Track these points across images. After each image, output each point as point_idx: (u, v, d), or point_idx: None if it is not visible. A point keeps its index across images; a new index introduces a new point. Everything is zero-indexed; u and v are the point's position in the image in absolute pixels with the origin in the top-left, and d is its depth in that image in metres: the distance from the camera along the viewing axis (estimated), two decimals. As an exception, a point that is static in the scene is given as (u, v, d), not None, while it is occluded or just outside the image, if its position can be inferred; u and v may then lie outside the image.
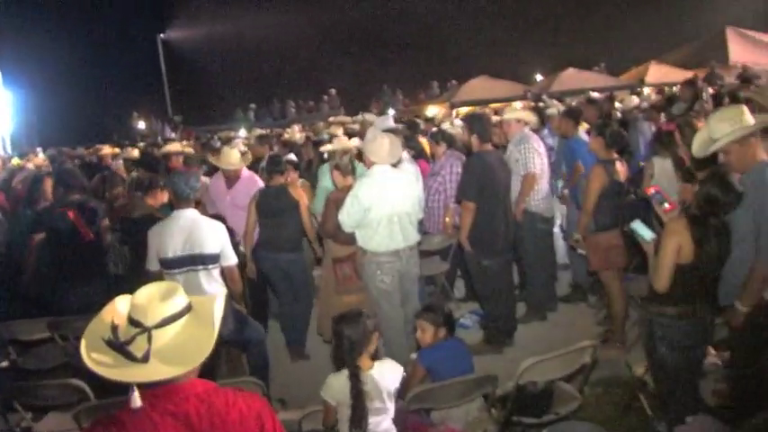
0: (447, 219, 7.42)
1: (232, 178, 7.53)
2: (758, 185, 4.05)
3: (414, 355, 4.88)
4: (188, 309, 2.36)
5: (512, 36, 29.14)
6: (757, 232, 4.01)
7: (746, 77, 14.48)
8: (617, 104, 12.80)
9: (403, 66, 29.32)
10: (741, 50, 22.18)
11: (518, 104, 16.51)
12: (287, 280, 6.91)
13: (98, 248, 6.45)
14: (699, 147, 4.42)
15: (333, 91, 27.42)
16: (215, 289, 5.12)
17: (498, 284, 6.70)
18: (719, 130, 4.19)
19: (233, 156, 7.60)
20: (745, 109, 4.33)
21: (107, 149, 11.67)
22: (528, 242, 7.25)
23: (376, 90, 27.23)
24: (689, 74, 19.60)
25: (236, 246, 5.72)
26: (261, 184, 7.25)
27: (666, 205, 4.08)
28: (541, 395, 4.52)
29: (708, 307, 4.16)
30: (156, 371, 2.22)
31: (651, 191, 4.28)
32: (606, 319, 6.83)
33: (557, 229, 7.83)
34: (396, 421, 3.98)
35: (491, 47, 28.39)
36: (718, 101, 9.74)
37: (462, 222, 6.50)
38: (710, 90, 12.42)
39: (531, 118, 7.71)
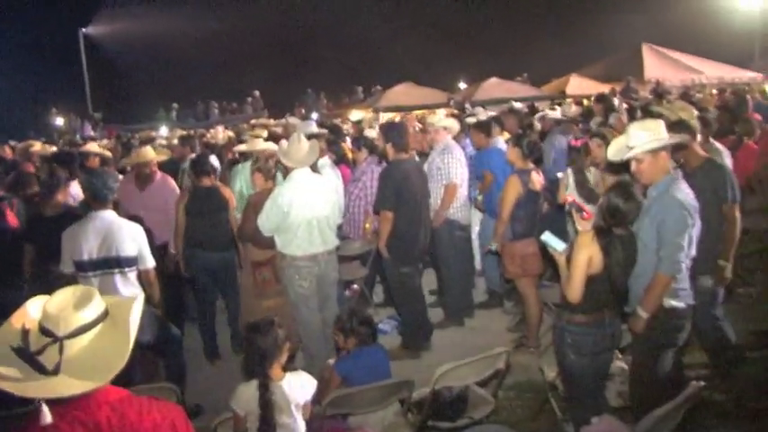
0: (367, 224, 7.46)
1: (145, 180, 7.39)
2: (663, 198, 4.23)
3: (331, 361, 4.89)
4: (104, 316, 2.26)
5: (436, 44, 29.51)
6: (660, 243, 4.18)
7: (660, 93, 15.04)
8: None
9: (328, 69, 29.36)
10: (655, 66, 23.08)
11: (441, 112, 16.78)
12: (216, 280, 6.90)
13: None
14: (615, 152, 4.61)
15: (257, 93, 27.12)
16: (131, 292, 5.03)
17: (414, 290, 6.80)
18: (637, 138, 4.36)
19: (149, 152, 7.54)
20: (663, 123, 4.53)
21: (38, 146, 11.27)
22: (446, 249, 7.37)
23: (300, 93, 27.09)
24: (607, 87, 20.29)
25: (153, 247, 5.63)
26: (175, 186, 7.19)
27: (584, 214, 4.19)
28: (456, 400, 4.60)
29: (616, 314, 4.32)
30: (66, 386, 2.12)
31: (568, 200, 4.38)
32: (521, 324, 6.99)
33: (474, 236, 7.96)
34: (312, 427, 3.98)
35: (416, 54, 28.69)
36: (631, 115, 10.05)
37: (381, 231, 6.56)
38: (624, 104, 12.83)
39: (456, 126, 7.85)
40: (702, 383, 3.84)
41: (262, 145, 8.21)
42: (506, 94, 20.80)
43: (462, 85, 26.46)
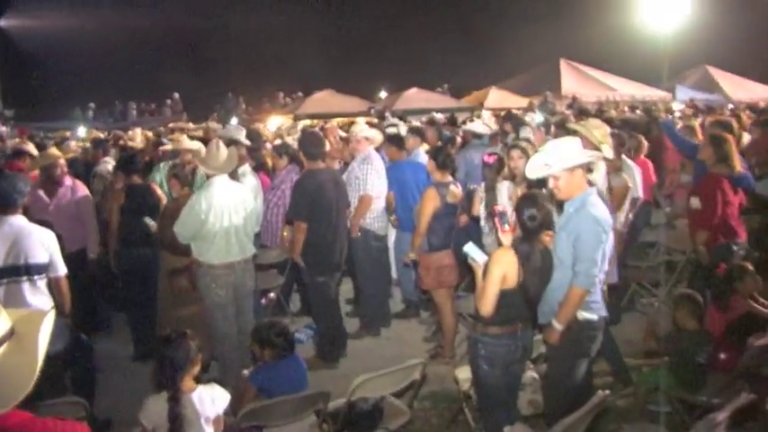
0: (285, 233, 7.43)
1: (54, 184, 7.03)
2: (579, 214, 4.35)
3: (246, 372, 4.84)
4: (9, 335, 2.06)
5: (359, 52, 29.58)
6: (575, 258, 4.30)
7: (582, 110, 15.42)
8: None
9: (249, 73, 29.06)
10: (572, 82, 23.79)
11: (362, 120, 16.80)
12: (146, 279, 6.78)
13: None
14: (532, 169, 4.67)
15: (176, 95, 26.48)
16: (40, 302, 4.84)
17: (330, 300, 6.81)
18: (554, 156, 4.46)
19: (55, 152, 7.40)
20: (579, 141, 4.66)
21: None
22: (362, 259, 7.40)
23: (220, 96, 26.66)
24: (525, 100, 20.76)
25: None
26: (86, 190, 7.07)
27: (507, 227, 4.26)
28: (372, 411, 4.62)
29: (529, 326, 4.43)
30: None
31: (498, 208, 4.40)
32: (437, 334, 7.06)
33: (390, 245, 7.99)
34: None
35: (338, 61, 28.70)
36: (547, 130, 10.29)
37: (295, 240, 6.53)
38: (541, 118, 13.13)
39: (378, 137, 7.87)
40: (608, 392, 4.00)
41: (188, 144, 8.06)
42: (427, 104, 21.07)
43: (383, 94, 26.63)
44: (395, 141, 7.86)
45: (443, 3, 32.18)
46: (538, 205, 4.22)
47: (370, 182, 7.23)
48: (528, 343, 4.43)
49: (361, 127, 8.15)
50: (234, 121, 19.44)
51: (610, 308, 6.57)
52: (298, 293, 8.20)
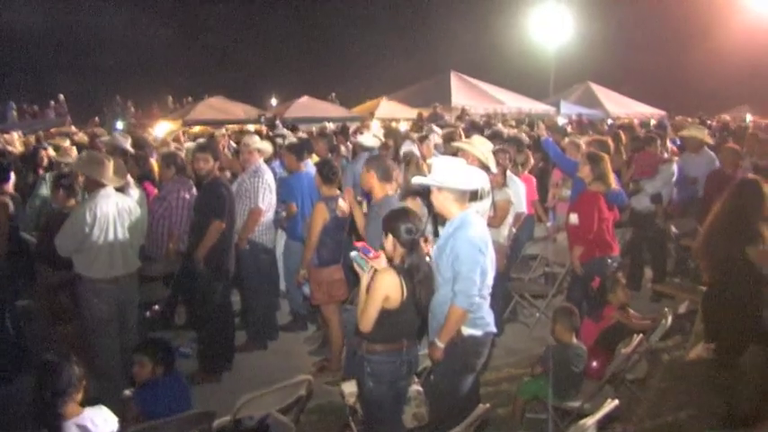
0: (171, 245, 7.30)
1: None
2: (456, 235, 4.47)
3: (127, 392, 4.73)
4: None
5: (250, 58, 29.32)
6: (454, 278, 4.43)
7: (473, 124, 15.71)
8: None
9: (139, 77, 28.29)
10: (462, 94, 24.29)
11: (252, 128, 16.65)
12: None
13: None
14: (419, 180, 4.84)
15: (61, 97, 25.21)
16: None
17: (224, 307, 6.77)
18: (435, 172, 4.61)
19: None
20: (462, 163, 4.80)
21: None
22: (250, 271, 7.35)
23: (108, 99, 25.67)
24: (415, 111, 21.04)
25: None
26: None
27: (371, 254, 4.32)
28: (257, 428, 4.60)
29: (414, 343, 4.52)
30: None
31: (358, 245, 4.44)
32: (324, 348, 7.09)
33: (279, 255, 7.96)
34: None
35: (229, 67, 28.36)
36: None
37: (206, 240, 6.39)
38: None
39: (269, 149, 7.84)
40: (488, 405, 4.14)
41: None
42: (318, 113, 21.06)
43: (274, 101, 26.50)
44: (295, 151, 7.83)
45: (336, 12, 32.32)
46: (411, 217, 4.33)
47: (261, 195, 7.19)
48: (413, 359, 4.51)
49: (254, 139, 8.06)
50: (119, 125, 18.92)
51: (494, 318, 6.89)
52: (183, 305, 8.02)
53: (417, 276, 4.26)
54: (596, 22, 30.64)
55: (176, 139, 12.59)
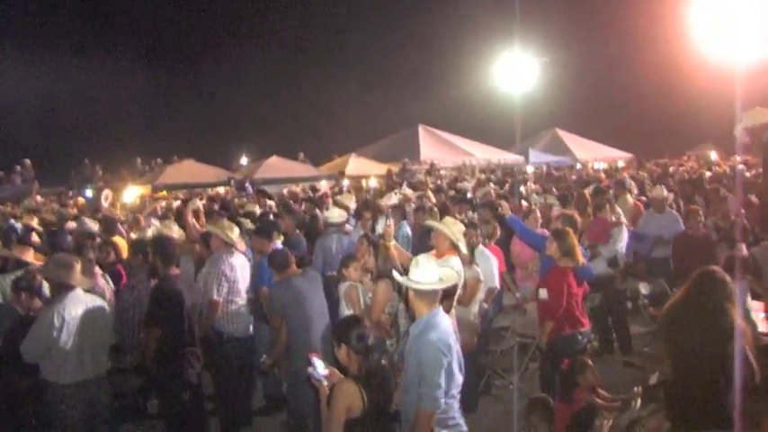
0: (142, 334, 7.21)
1: None
2: (420, 338, 4.53)
3: None
4: None
5: (219, 119, 29.43)
6: (419, 381, 4.45)
7: (438, 188, 15.89)
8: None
9: (107, 139, 28.23)
10: (430, 147, 24.49)
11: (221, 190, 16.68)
12: None
13: None
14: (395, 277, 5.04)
15: (27, 161, 24.83)
16: None
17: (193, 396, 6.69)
18: (413, 272, 4.72)
19: None
20: (436, 267, 4.85)
21: None
22: (217, 361, 7.33)
23: (76, 163, 25.39)
24: (384, 167, 21.21)
25: None
26: None
27: (323, 379, 4.31)
28: None
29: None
30: None
31: (312, 358, 4.41)
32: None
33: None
34: None
35: (198, 128, 28.43)
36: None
37: (147, 349, 6.43)
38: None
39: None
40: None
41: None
42: (287, 173, 21.18)
43: (244, 161, 26.57)
44: (264, 233, 7.84)
45: (304, 69, 32.66)
46: (360, 323, 4.39)
47: (215, 287, 7.12)
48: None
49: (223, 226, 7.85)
50: (89, 192, 18.81)
51: (468, 395, 6.92)
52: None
53: (375, 381, 4.27)
54: (560, 68, 31.12)
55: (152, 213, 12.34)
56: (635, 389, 6.08)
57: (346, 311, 6.67)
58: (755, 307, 7.01)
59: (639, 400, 5.83)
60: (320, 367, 4.32)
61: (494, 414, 7.43)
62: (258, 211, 12.07)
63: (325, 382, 4.30)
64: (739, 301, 6.11)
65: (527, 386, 7.73)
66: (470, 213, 10.11)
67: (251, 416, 7.61)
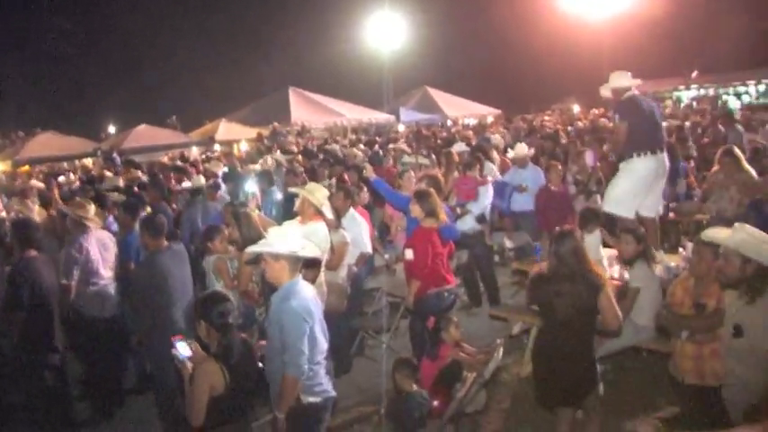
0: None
1: None
2: (282, 305, 4.55)
3: None
4: None
5: (83, 87, 28.18)
6: (283, 348, 4.49)
7: (307, 151, 15.87)
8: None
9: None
10: (301, 110, 24.32)
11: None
12: None
13: None
14: (249, 249, 4.92)
15: None
16: None
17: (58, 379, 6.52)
18: (271, 241, 4.71)
19: None
20: (295, 234, 4.87)
21: None
22: (82, 343, 7.18)
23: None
24: (255, 131, 20.94)
25: None
26: None
27: (186, 354, 4.26)
28: None
29: (244, 424, 4.55)
30: None
31: (174, 340, 4.36)
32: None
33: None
34: None
35: (61, 97, 27.13)
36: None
37: None
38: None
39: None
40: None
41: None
42: (156, 141, 20.59)
43: (112, 129, 25.63)
44: (130, 210, 7.69)
45: (172, 34, 31.53)
46: (222, 299, 4.40)
47: (68, 269, 6.85)
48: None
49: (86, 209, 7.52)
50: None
51: (342, 357, 7.06)
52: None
53: (233, 359, 4.29)
54: (428, 27, 31.55)
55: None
56: (498, 340, 6.37)
57: (216, 285, 6.63)
58: (607, 254, 7.43)
59: (501, 350, 6.12)
60: (183, 349, 4.29)
61: (367, 374, 7.56)
62: (121, 183, 11.67)
63: (189, 364, 4.26)
64: (593, 250, 6.55)
65: (399, 345, 7.90)
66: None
67: (122, 396, 7.43)
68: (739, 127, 14.51)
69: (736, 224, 4.50)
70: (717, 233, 4.52)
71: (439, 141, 17.75)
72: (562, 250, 5.01)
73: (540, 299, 5.14)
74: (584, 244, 5.18)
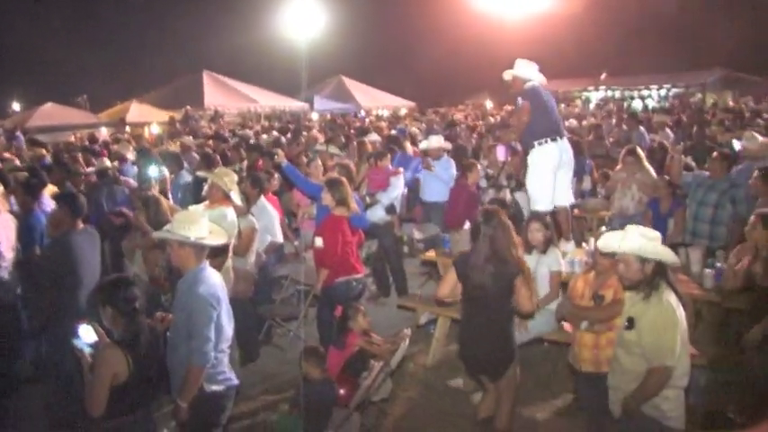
0: None
1: None
2: (189, 292, 4.48)
3: None
4: None
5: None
6: (189, 335, 4.42)
7: (219, 134, 15.61)
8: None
9: None
10: (215, 94, 23.98)
11: None
12: None
13: None
14: (156, 234, 4.93)
15: None
16: None
17: None
18: (177, 226, 4.63)
19: None
20: (205, 219, 4.79)
21: None
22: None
23: None
24: (167, 114, 20.53)
25: None
26: None
27: (90, 341, 4.14)
28: None
29: (149, 413, 4.46)
30: None
31: (78, 325, 4.22)
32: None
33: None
34: None
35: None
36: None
37: None
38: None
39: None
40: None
41: None
42: (63, 121, 19.92)
43: (17, 107, 24.63)
44: (30, 191, 7.30)
45: (79, 8, 30.51)
46: (128, 283, 4.28)
47: None
48: (151, 426, 4.47)
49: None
50: None
51: (249, 345, 7.01)
52: None
53: (139, 347, 4.18)
54: (344, 17, 31.45)
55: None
56: (405, 330, 6.44)
57: (132, 269, 6.50)
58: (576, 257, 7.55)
59: (408, 340, 6.19)
60: (87, 334, 4.15)
61: (275, 362, 7.52)
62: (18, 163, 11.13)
63: (88, 351, 4.13)
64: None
65: (307, 333, 7.88)
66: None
67: (17, 385, 7.10)
68: (642, 128, 15.03)
69: (628, 226, 4.64)
70: (612, 241, 4.64)
71: (352, 131, 17.74)
72: (488, 229, 5.12)
73: (462, 273, 5.23)
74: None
